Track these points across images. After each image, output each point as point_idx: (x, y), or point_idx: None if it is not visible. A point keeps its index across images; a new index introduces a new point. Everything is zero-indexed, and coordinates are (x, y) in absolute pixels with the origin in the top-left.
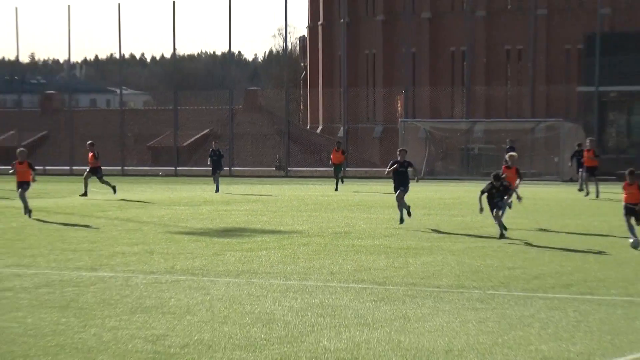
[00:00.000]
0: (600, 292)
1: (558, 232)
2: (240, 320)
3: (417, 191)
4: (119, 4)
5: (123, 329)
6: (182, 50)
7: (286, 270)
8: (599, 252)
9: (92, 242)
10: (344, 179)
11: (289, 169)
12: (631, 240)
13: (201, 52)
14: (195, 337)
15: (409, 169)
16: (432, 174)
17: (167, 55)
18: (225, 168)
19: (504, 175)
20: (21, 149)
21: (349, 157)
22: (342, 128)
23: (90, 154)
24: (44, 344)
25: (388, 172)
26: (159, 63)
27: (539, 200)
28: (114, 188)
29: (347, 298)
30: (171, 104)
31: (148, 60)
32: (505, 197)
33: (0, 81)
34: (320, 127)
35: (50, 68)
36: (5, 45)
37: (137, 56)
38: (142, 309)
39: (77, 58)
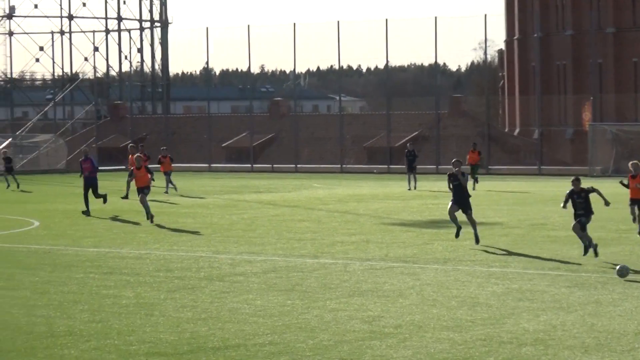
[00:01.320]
0: None
1: None
2: (447, 303)
3: (607, 187)
4: (338, 22)
5: (342, 311)
6: (394, 62)
7: (488, 258)
8: None
9: (314, 232)
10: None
11: (489, 167)
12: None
13: (410, 63)
14: (407, 318)
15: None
16: (619, 172)
17: (380, 66)
18: (430, 166)
19: (626, 183)
20: (138, 154)
21: (544, 157)
22: (536, 130)
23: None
24: (272, 323)
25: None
26: (373, 73)
27: None
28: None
29: (543, 284)
30: (384, 109)
31: (364, 70)
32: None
33: (234, 90)
34: (517, 130)
35: (278, 78)
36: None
37: (354, 67)
38: (359, 293)
39: (301, 69)
